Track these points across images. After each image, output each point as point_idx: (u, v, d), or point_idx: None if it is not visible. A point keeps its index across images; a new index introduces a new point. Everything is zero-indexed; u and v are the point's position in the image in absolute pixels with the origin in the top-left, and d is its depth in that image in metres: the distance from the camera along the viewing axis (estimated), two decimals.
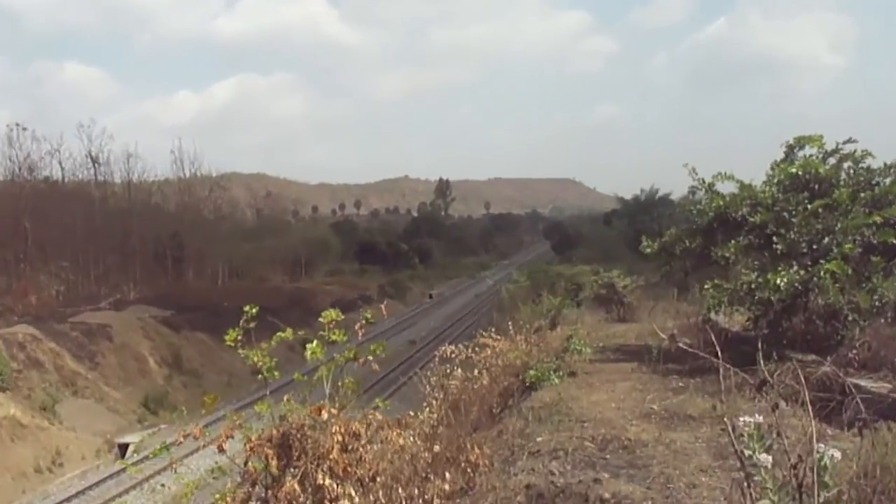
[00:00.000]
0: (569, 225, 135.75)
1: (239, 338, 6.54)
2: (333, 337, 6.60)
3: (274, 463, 6.03)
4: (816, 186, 12.18)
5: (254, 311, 6.60)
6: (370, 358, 6.66)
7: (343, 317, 6.76)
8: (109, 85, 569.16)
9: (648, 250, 14.00)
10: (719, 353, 5.93)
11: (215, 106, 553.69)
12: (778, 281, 10.99)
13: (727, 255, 11.99)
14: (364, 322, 6.87)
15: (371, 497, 6.11)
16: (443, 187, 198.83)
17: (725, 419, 4.43)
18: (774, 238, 11.69)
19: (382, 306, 8.39)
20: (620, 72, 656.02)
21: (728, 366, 5.72)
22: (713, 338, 6.25)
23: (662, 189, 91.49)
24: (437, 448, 7.16)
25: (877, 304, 11.13)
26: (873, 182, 12.27)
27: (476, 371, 11.46)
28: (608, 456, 7.44)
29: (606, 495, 6.19)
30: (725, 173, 12.97)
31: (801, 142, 12.89)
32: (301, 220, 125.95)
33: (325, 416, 6.14)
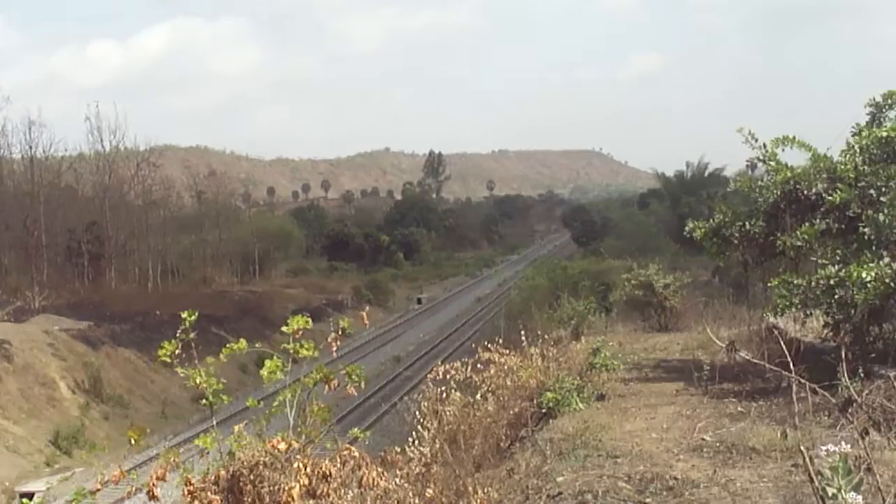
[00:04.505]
0: (594, 209, 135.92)
1: (177, 352, 6.48)
2: (302, 352, 6.55)
3: None
4: None
5: (193, 317, 6.56)
6: (352, 380, 6.61)
7: (311, 326, 6.72)
8: (3, 31, 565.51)
9: (698, 232, 13.93)
10: (791, 367, 5.89)
11: (143, 60, 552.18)
12: (864, 276, 10.89)
13: (798, 243, 11.95)
14: (340, 333, 6.83)
15: None
16: (434, 163, 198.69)
17: (802, 449, 4.40)
18: (860, 222, 11.65)
19: (363, 313, 8.39)
20: (662, 12, 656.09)
21: (803, 381, 5.65)
22: (783, 348, 6.19)
23: (714, 163, 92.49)
24: (430, 492, 7.14)
25: None
26: None
27: (479, 395, 11.45)
28: (649, 500, 7.43)
29: None
30: (793, 137, 12.87)
31: (891, 99, 12.84)
32: (254, 206, 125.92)
33: (285, 449, 6.10)
